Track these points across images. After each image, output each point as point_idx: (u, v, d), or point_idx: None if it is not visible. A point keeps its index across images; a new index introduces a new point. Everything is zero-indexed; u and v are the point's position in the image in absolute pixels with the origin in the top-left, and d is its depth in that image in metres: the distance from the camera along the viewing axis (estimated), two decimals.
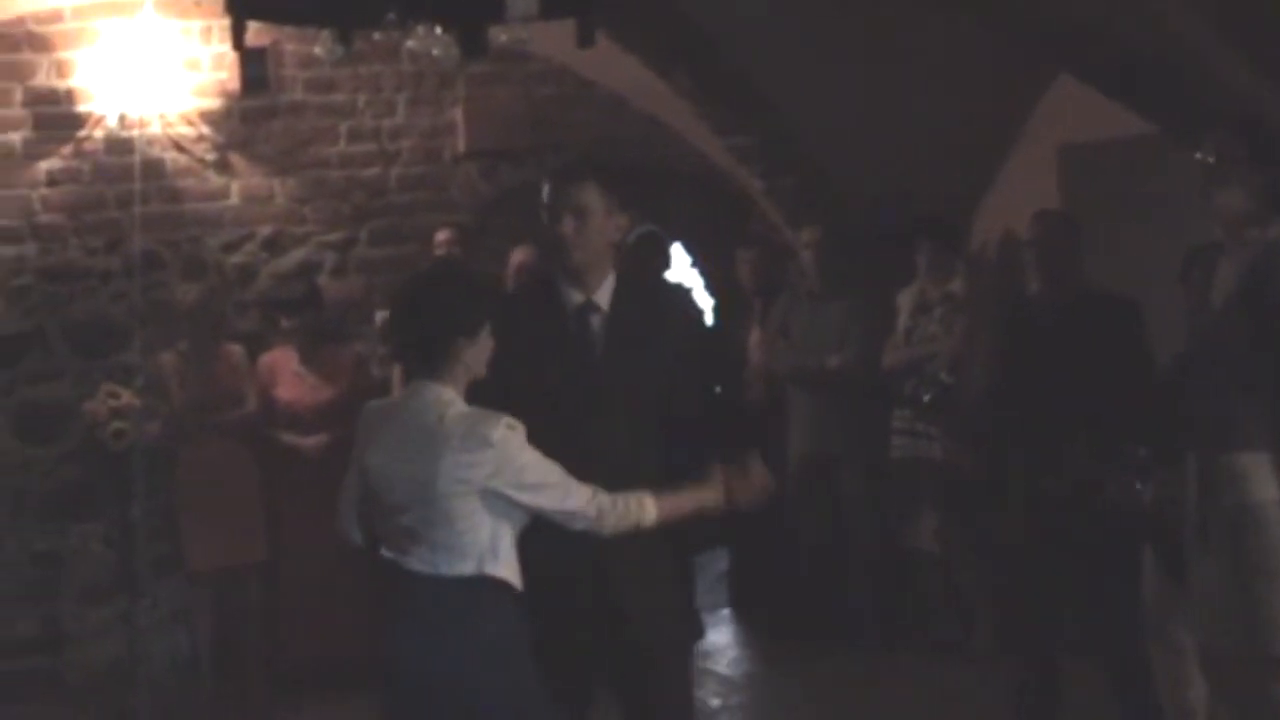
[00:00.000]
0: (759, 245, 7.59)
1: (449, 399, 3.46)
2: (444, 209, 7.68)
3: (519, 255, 7.06)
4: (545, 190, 3.77)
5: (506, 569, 3.45)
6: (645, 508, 3.54)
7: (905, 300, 6.94)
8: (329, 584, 6.74)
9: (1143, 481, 4.35)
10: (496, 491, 3.40)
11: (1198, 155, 3.72)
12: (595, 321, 3.81)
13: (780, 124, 7.15)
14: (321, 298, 7.10)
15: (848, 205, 7.28)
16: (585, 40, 5.91)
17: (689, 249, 8.39)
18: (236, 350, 6.97)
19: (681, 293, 4.25)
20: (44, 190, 7.32)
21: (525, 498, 3.43)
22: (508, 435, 3.38)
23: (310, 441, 6.82)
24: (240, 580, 6.88)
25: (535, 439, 3.41)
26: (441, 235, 7.21)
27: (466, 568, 3.41)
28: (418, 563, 3.46)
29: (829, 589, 7.11)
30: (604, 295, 3.81)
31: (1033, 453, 4.90)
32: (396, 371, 6.63)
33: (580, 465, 3.48)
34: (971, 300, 6.72)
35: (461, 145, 7.74)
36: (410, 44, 5.68)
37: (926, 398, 6.57)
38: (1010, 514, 5.08)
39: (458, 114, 7.73)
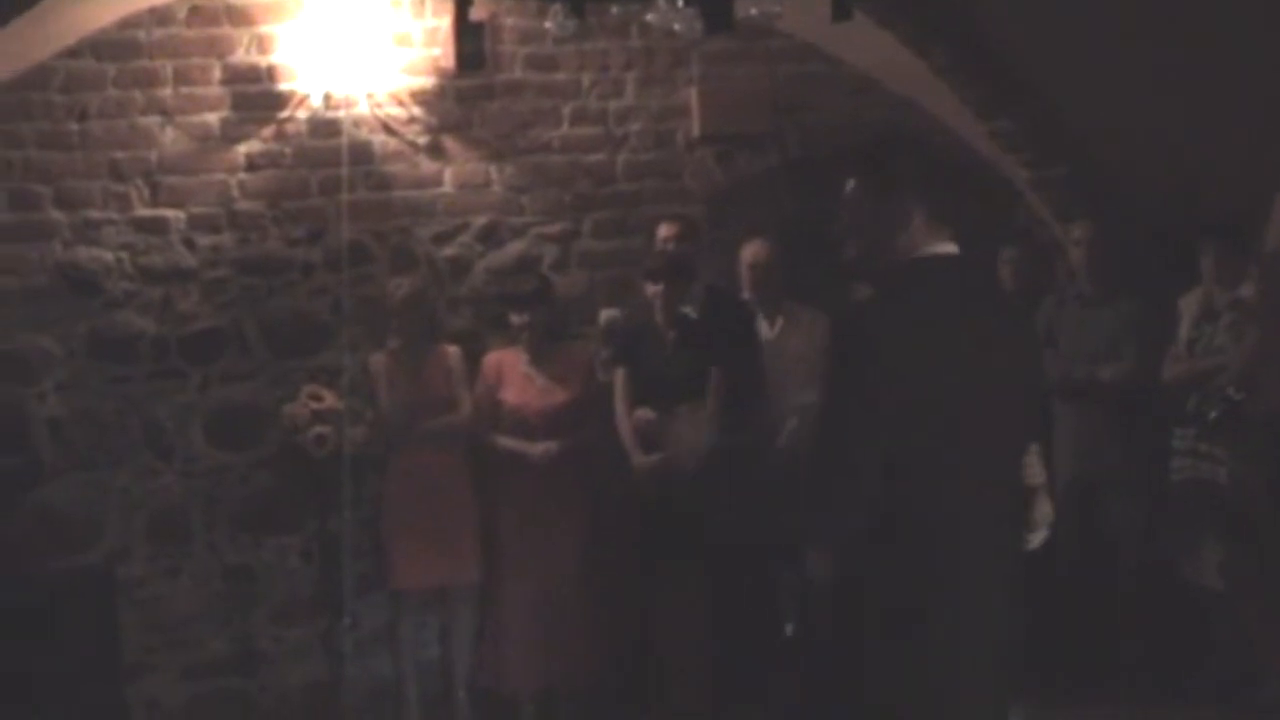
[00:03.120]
0: (1023, 242, 8.75)
1: None
2: (675, 199, 9.04)
3: (752, 250, 8.48)
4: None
5: None
6: None
7: (1188, 306, 7.95)
8: (548, 608, 8.19)
9: None
10: None
11: None
12: None
13: (1049, 107, 8.35)
14: (554, 293, 8.47)
15: (1124, 199, 8.27)
16: (841, 13, 7.02)
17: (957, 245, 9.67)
18: (453, 351, 8.43)
19: None
20: (242, 175, 8.80)
21: None
22: None
23: (538, 448, 8.17)
24: (450, 602, 8.41)
25: None
26: (665, 229, 8.43)
27: None
28: None
29: (1096, 630, 8.14)
30: None
31: None
32: (619, 376, 8.29)
33: None
34: (1264, 307, 7.53)
35: (695, 129, 9.06)
36: (650, 17, 6.96)
37: (1212, 415, 7.54)
38: None
39: (692, 95, 9.08)
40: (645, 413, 8.13)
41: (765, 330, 8.50)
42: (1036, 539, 4.25)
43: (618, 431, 8.23)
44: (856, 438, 3.80)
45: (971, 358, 3.83)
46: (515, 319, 8.30)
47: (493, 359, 8.41)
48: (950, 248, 3.94)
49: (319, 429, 8.49)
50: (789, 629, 8.45)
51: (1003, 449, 3.97)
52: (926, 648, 3.81)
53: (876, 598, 3.87)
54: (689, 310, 8.25)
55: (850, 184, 4.05)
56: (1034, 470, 4.25)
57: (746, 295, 8.53)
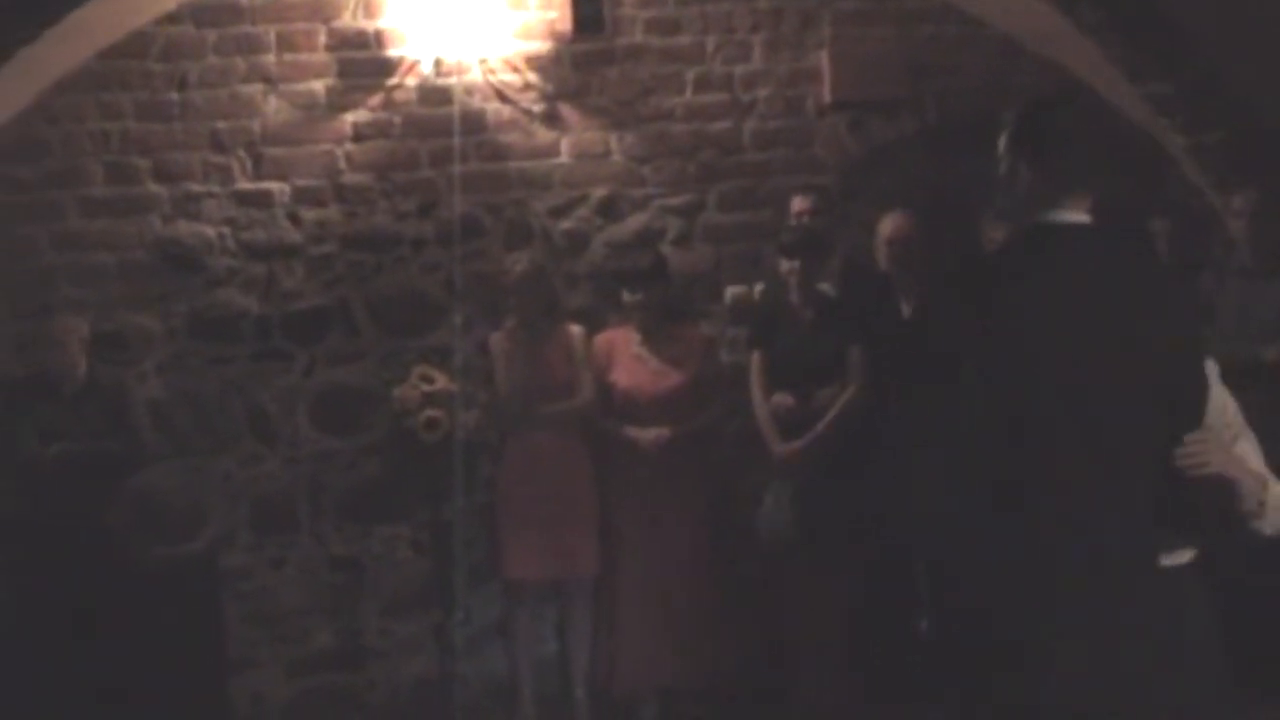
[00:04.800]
0: (1179, 213, 8.45)
1: None
2: (805, 169, 8.85)
3: (891, 224, 8.18)
4: None
5: None
6: None
7: None
8: (666, 603, 8.02)
9: None
10: None
11: None
12: None
13: (1208, 68, 8.14)
14: (669, 270, 8.34)
15: None
16: None
17: (1095, 215, 9.54)
18: (574, 330, 8.29)
19: None
20: (349, 146, 8.74)
21: None
22: None
23: (649, 435, 8.03)
24: (567, 594, 8.26)
25: None
26: (799, 202, 8.30)
27: None
28: None
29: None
30: None
31: None
32: (755, 360, 8.05)
33: None
34: None
35: (826, 95, 8.90)
36: None
37: None
38: None
39: (822, 59, 8.91)
40: (783, 397, 7.93)
41: (906, 308, 8.19)
42: (1270, 526, 3.99)
43: (755, 417, 8.06)
44: (933, 413, 3.81)
45: (1085, 334, 3.75)
46: (628, 297, 8.20)
47: (603, 339, 8.33)
48: (1075, 216, 3.88)
49: (430, 412, 8.39)
50: (924, 626, 8.24)
51: (1134, 431, 3.81)
52: (1050, 650, 3.75)
53: (988, 589, 3.83)
54: (826, 288, 8.08)
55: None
56: (1251, 458, 4.04)
57: (884, 270, 8.26)
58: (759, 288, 8.64)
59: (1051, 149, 3.91)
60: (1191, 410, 3.97)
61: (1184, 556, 4.07)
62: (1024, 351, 3.75)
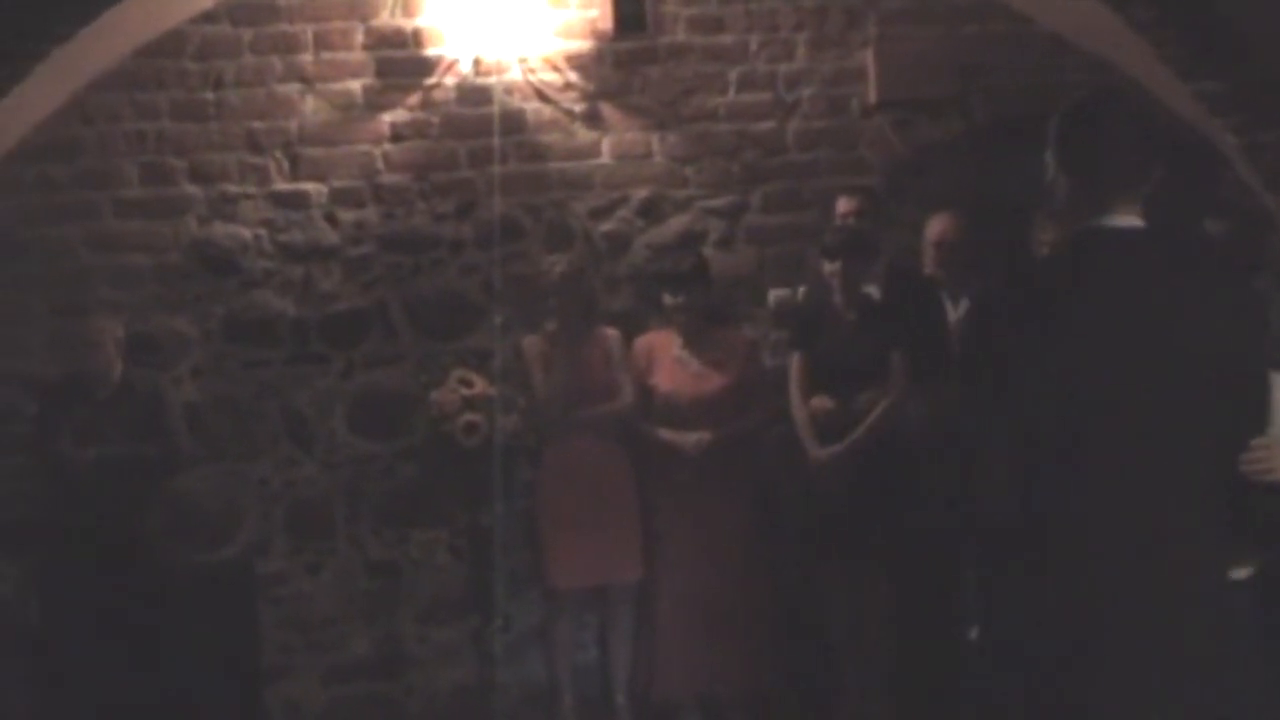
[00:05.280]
0: (1233, 215, 8.14)
1: None
2: (850, 169, 8.77)
3: (938, 225, 8.16)
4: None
5: None
6: None
7: None
8: (707, 609, 7.97)
9: None
10: None
11: None
12: None
13: (1262, 66, 8.01)
14: (710, 272, 8.26)
15: None
16: None
17: (1146, 217, 9.47)
18: (611, 333, 8.25)
19: None
20: (387, 146, 8.70)
21: None
22: None
23: (690, 439, 7.99)
24: (609, 600, 8.22)
25: None
26: (844, 203, 8.25)
27: None
28: None
29: None
30: None
31: None
32: (795, 362, 8.00)
33: None
34: None
35: (872, 94, 8.82)
36: None
37: None
38: None
39: (868, 57, 8.82)
40: (823, 401, 7.85)
41: (951, 311, 8.14)
42: None
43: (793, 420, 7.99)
44: (987, 422, 3.83)
45: (1141, 340, 3.73)
46: (669, 299, 8.15)
47: (644, 342, 8.29)
48: (1126, 220, 3.86)
49: (469, 416, 8.33)
50: (973, 633, 8.20)
51: (1195, 439, 3.76)
52: (1104, 662, 3.71)
53: (1031, 600, 3.82)
54: (870, 290, 8.00)
55: None
56: None
57: (930, 273, 8.22)
58: (802, 290, 8.61)
59: (1095, 153, 3.90)
60: (1255, 415, 3.91)
61: (1243, 571, 4.07)
62: (1078, 359, 3.72)
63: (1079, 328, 3.74)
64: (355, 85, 8.75)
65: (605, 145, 8.87)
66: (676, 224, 8.89)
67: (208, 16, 8.62)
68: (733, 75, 8.90)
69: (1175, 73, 8.19)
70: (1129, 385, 3.70)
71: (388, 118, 8.76)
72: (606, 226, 8.88)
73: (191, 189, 8.68)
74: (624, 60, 8.84)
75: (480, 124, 8.70)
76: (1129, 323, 3.73)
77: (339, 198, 8.75)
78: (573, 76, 8.80)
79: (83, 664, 7.66)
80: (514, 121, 8.74)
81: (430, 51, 8.73)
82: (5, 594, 8.40)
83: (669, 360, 8.18)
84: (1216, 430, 3.78)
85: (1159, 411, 3.71)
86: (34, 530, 8.14)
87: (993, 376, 3.82)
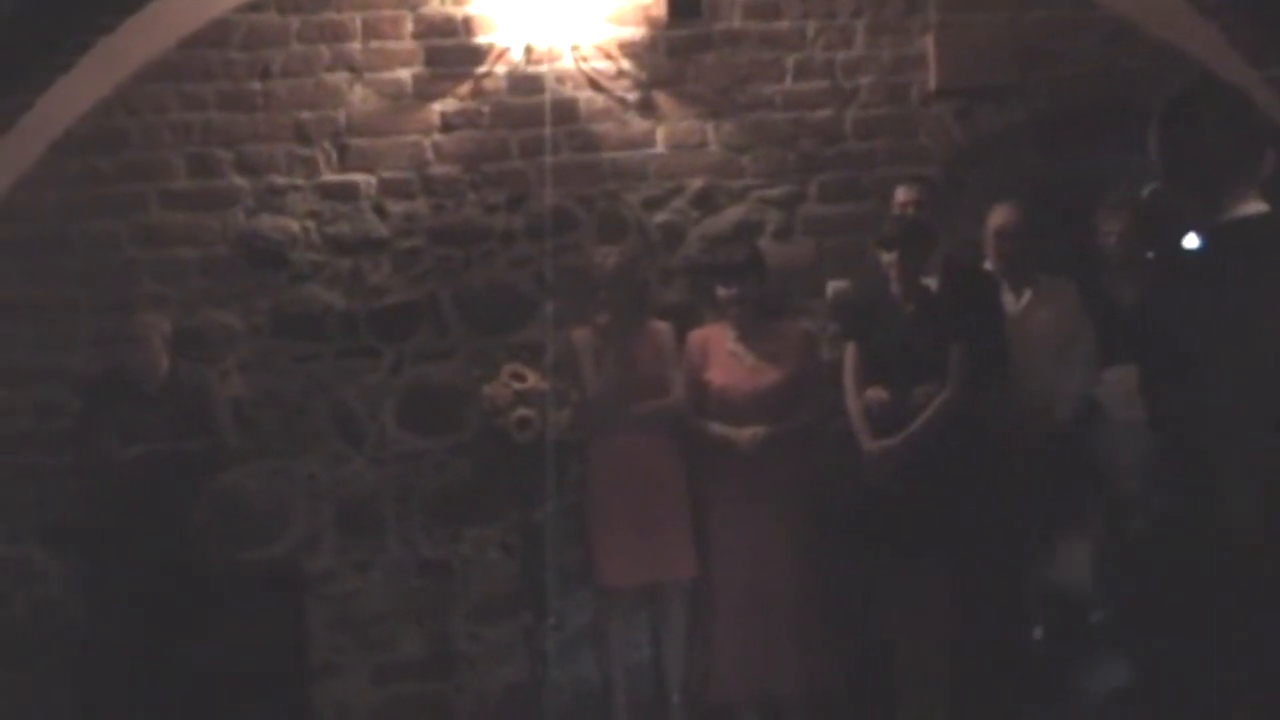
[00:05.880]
0: None
1: None
2: (910, 159, 8.70)
3: (1000, 216, 8.08)
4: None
5: None
6: None
7: None
8: (762, 608, 7.89)
9: None
10: None
11: None
12: None
13: None
14: (764, 264, 8.19)
15: None
16: None
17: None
18: (663, 327, 8.22)
19: None
20: (437, 136, 8.69)
21: None
22: None
23: (745, 434, 7.91)
24: (662, 598, 8.16)
25: None
26: (902, 193, 8.16)
27: None
28: None
29: None
30: None
31: None
32: (850, 353, 7.92)
33: None
34: None
35: (932, 82, 8.76)
36: None
37: None
38: None
39: (928, 44, 8.77)
40: (878, 393, 7.76)
41: (1010, 303, 8.12)
42: None
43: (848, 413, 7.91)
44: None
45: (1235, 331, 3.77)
46: (723, 291, 8.08)
47: (697, 336, 8.23)
48: (1256, 206, 3.87)
49: (521, 411, 8.34)
50: (1038, 633, 8.19)
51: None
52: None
53: None
54: (928, 282, 7.87)
55: None
56: None
57: (991, 265, 8.16)
58: (857, 284, 8.49)
59: (1201, 155, 3.89)
60: None
61: None
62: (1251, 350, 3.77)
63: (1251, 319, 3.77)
64: (405, 74, 8.72)
65: (659, 134, 8.81)
66: (732, 215, 8.82)
67: (254, 5, 8.63)
68: (789, 62, 8.83)
69: (1246, 58, 8.06)
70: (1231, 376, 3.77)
71: (438, 107, 8.73)
72: (660, 217, 8.82)
73: (238, 181, 8.68)
74: (678, 47, 8.78)
75: (532, 113, 8.67)
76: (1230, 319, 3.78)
77: (388, 189, 8.72)
78: (626, 64, 8.76)
79: (129, 664, 7.67)
80: (566, 110, 8.70)
81: (481, 39, 8.70)
82: (51, 594, 8.40)
83: (723, 354, 8.11)
84: None
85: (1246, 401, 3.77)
86: (79, 529, 8.14)
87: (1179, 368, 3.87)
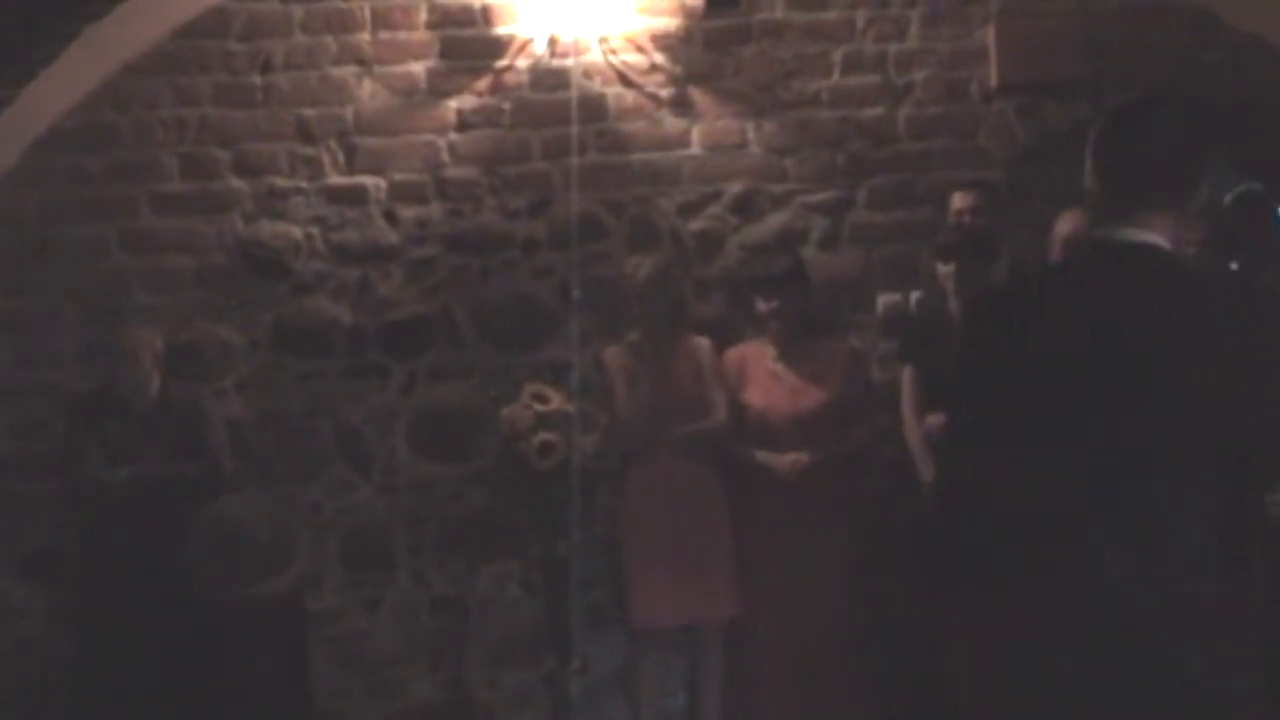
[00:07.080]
0: None
1: None
2: (968, 161, 8.48)
3: (1069, 222, 7.54)
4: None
5: None
6: None
7: None
8: (806, 648, 7.64)
9: None
10: None
11: None
12: None
13: None
14: (808, 275, 7.97)
15: None
16: None
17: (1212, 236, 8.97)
18: (703, 343, 7.94)
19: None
20: (453, 136, 8.49)
21: None
22: None
23: (786, 460, 7.67)
24: (699, 640, 7.90)
25: None
26: (959, 198, 7.96)
27: None
28: None
29: None
30: None
31: None
32: (907, 376, 7.67)
33: None
34: None
35: (993, 77, 8.52)
36: None
37: None
38: None
39: (989, 36, 8.53)
40: (938, 419, 7.41)
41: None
42: None
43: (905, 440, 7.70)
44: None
45: (1113, 362, 3.66)
46: (763, 305, 7.90)
47: (735, 354, 8.02)
48: (1143, 235, 3.77)
49: (544, 435, 8.18)
50: None
51: (1184, 475, 3.66)
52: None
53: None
54: None
55: None
56: None
57: None
58: (915, 296, 8.31)
59: (1121, 162, 3.86)
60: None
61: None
62: (1043, 380, 3.71)
63: (1052, 347, 3.72)
64: (418, 68, 8.57)
65: (695, 134, 8.62)
66: (774, 222, 8.62)
67: None
68: (837, 56, 8.63)
69: None
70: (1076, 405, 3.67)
71: (454, 104, 8.56)
72: (697, 224, 8.62)
73: (237, 183, 8.54)
74: (716, 40, 8.59)
75: (556, 111, 8.49)
76: (1107, 344, 3.67)
77: (399, 193, 8.57)
78: (659, 58, 8.56)
79: (119, 709, 7.55)
80: (594, 108, 8.53)
81: (501, 30, 8.54)
82: (33, 632, 8.32)
83: (762, 373, 7.91)
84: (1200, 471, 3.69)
85: (1128, 446, 3.66)
86: (63, 561, 8.07)
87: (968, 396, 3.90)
